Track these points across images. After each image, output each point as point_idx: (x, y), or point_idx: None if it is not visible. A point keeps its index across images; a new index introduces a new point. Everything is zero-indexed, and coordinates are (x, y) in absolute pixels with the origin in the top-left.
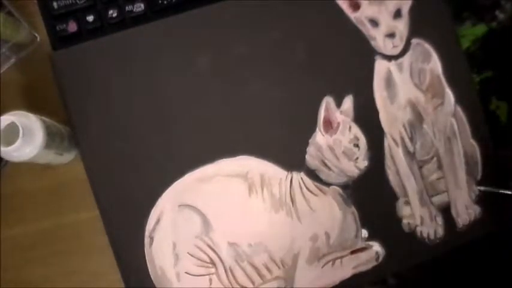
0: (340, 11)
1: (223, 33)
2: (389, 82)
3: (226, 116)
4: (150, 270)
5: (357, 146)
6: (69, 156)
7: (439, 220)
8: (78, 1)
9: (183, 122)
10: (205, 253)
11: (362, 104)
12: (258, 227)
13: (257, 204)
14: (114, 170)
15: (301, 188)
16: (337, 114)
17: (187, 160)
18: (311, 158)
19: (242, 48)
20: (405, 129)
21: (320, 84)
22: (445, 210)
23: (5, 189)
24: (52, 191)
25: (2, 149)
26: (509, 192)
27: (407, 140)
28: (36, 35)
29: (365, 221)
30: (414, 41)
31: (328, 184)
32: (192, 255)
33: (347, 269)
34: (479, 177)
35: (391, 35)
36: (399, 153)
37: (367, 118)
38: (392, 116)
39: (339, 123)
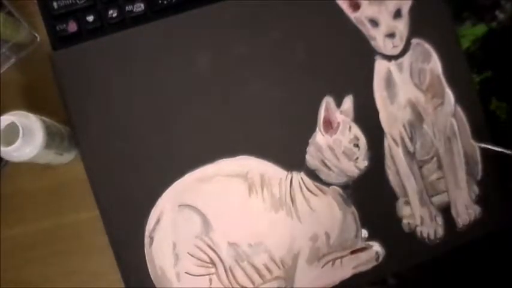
0: (340, 11)
1: (223, 33)
2: (389, 82)
3: (226, 116)
4: (150, 270)
5: (357, 146)
6: (69, 156)
7: (439, 220)
8: (78, 1)
9: (183, 122)
10: (205, 253)
11: (362, 104)
12: (258, 227)
13: (257, 204)
14: (114, 170)
15: (301, 188)
16: (337, 114)
17: (187, 160)
18: (311, 158)
19: (242, 48)
20: (405, 129)
21: (320, 84)
22: (445, 210)
23: (5, 189)
24: (52, 191)
25: (2, 149)
26: (509, 152)
27: (407, 140)
28: (36, 35)
29: (365, 221)
30: (414, 41)
31: (328, 184)
32: (192, 255)
33: (347, 269)
34: (479, 177)
35: (391, 35)
36: (399, 153)
37: (367, 118)
38: (392, 116)
39: (339, 123)
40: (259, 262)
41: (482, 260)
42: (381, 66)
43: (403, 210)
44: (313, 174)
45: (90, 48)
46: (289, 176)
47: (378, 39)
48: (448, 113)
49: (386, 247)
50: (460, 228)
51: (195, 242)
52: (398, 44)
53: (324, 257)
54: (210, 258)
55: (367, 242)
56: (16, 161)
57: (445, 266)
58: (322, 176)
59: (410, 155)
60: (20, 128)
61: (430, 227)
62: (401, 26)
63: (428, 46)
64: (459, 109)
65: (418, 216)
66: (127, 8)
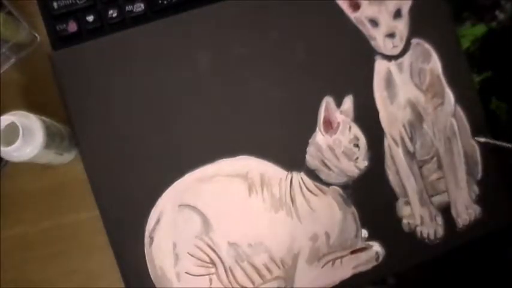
0: (340, 11)
1: (223, 33)
2: (389, 82)
3: (226, 116)
4: (150, 270)
5: (356, 146)
6: (69, 156)
7: (439, 220)
8: (78, 1)
9: (183, 122)
10: (205, 253)
11: (362, 104)
12: (258, 227)
13: (257, 204)
14: (114, 170)
15: (301, 188)
16: (337, 114)
17: (187, 160)
18: (311, 158)
19: (242, 48)
20: (405, 129)
21: (320, 84)
22: (445, 210)
23: (5, 189)
24: (52, 191)
25: (2, 149)
26: (509, 145)
27: (407, 140)
28: (36, 35)
29: (365, 221)
30: (414, 41)
31: (328, 184)
32: (192, 255)
33: (347, 269)
34: (479, 177)
35: (391, 35)
36: (399, 153)
37: (367, 118)
38: (392, 116)
39: (339, 123)
40: (259, 262)
41: (482, 260)
42: (381, 66)
43: (403, 210)
44: (313, 174)
45: (90, 48)
46: (289, 176)
47: (378, 39)
48: (448, 113)
49: (386, 247)
50: (460, 228)
51: (195, 242)
52: (398, 44)
53: (324, 257)
54: (210, 258)
55: (367, 242)
56: (16, 161)
57: (445, 265)
58: (322, 176)
59: (410, 155)
60: (20, 128)
61: (430, 227)
62: (401, 26)
63: (428, 46)
64: (459, 109)
65: (418, 216)
66: (127, 8)
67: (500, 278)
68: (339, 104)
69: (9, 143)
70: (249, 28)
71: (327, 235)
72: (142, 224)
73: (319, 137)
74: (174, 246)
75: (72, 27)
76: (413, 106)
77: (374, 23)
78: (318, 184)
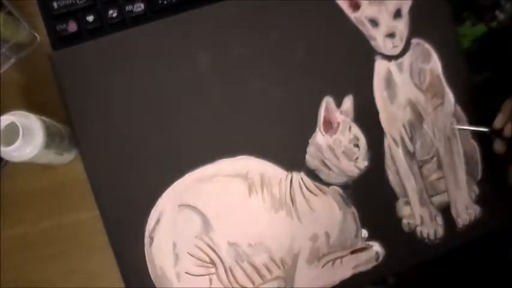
0: (340, 11)
1: (223, 33)
2: (389, 82)
3: (226, 116)
4: (150, 270)
5: (356, 146)
6: (69, 156)
7: (439, 220)
8: (78, 1)
9: (183, 122)
10: (205, 253)
11: (362, 104)
12: (258, 227)
13: (257, 204)
14: (114, 170)
15: (301, 188)
16: (337, 114)
17: (187, 160)
18: (311, 158)
19: (242, 48)
20: (405, 129)
21: (320, 84)
22: (445, 210)
23: (5, 189)
24: (52, 191)
25: (2, 149)
26: (484, 129)
27: (407, 140)
28: (36, 35)
29: (365, 221)
30: (414, 41)
31: (328, 184)
32: (192, 255)
33: (347, 269)
34: (479, 177)
35: (391, 35)
36: (399, 153)
37: (367, 118)
38: (392, 116)
39: (338, 123)
40: (259, 262)
41: (482, 260)
42: (381, 66)
43: (403, 210)
44: (313, 174)
45: (90, 48)
46: (289, 176)
47: (378, 39)
48: (448, 112)
49: (386, 247)
50: (460, 228)
51: (195, 242)
52: (398, 44)
53: (324, 257)
54: (210, 258)
55: (367, 242)
56: (16, 161)
57: (445, 265)
58: (322, 176)
59: (410, 155)
60: (20, 128)
61: (430, 227)
62: (401, 26)
63: (428, 46)
64: (459, 109)
65: (418, 216)
66: (127, 8)
67: (500, 278)
68: (339, 104)
69: (9, 143)
70: (249, 28)
71: (327, 235)
72: (142, 224)
73: (319, 137)
74: (174, 246)
75: (72, 27)
76: (413, 106)
77: (374, 23)
78: (318, 184)
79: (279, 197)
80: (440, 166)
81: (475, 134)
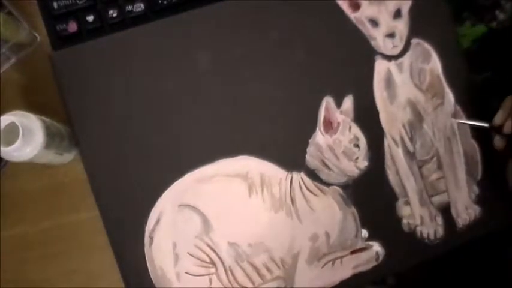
0: (340, 11)
1: (223, 33)
2: (389, 82)
3: (226, 116)
4: (150, 270)
5: (356, 146)
6: (69, 156)
7: (439, 220)
8: (78, 1)
9: (183, 122)
10: (205, 253)
11: (362, 104)
12: (258, 227)
13: (257, 204)
14: (114, 170)
15: (301, 188)
16: (337, 114)
17: (187, 160)
18: (311, 158)
19: (242, 48)
20: (405, 129)
21: (320, 84)
22: (445, 210)
23: (5, 189)
24: (52, 191)
25: (2, 149)
26: (485, 125)
27: (407, 140)
28: (36, 35)
29: (365, 221)
30: (414, 41)
31: (328, 184)
32: (192, 255)
33: (347, 269)
34: (479, 177)
35: (391, 35)
36: (399, 153)
37: (367, 118)
38: (392, 116)
39: (339, 123)
40: (259, 262)
41: (482, 260)
42: (381, 66)
43: (403, 210)
44: (313, 174)
45: (90, 48)
46: (289, 176)
47: (378, 39)
48: (448, 113)
49: (386, 247)
50: (460, 228)
51: (195, 242)
52: (398, 44)
53: (324, 257)
54: (210, 258)
55: (367, 242)
56: (16, 161)
57: (445, 265)
58: (322, 176)
59: (410, 155)
60: (20, 128)
61: (430, 227)
62: (401, 26)
63: (428, 46)
64: (459, 109)
65: (418, 216)
66: (127, 8)
67: (500, 278)
68: (339, 104)
69: (9, 143)
70: (249, 28)
71: (327, 235)
72: (142, 224)
73: (319, 137)
74: (174, 246)
75: (72, 27)
76: (413, 106)
77: (374, 23)
78: (318, 184)
79: (279, 197)
80: (440, 166)
81: (475, 134)
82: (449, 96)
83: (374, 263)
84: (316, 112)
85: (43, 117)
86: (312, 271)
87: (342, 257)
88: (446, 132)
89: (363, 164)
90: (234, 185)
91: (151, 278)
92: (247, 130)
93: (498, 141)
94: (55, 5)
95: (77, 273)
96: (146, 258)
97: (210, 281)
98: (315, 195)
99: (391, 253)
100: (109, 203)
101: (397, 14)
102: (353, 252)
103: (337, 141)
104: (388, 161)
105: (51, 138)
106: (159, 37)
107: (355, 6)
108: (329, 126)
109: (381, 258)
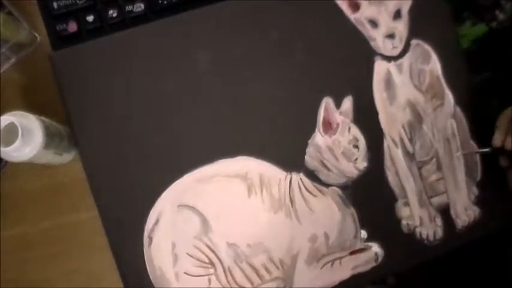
0: (340, 11)
1: (223, 33)
2: (388, 83)
3: (226, 116)
4: (149, 270)
5: (356, 146)
6: (68, 156)
7: (438, 221)
8: (78, 1)
9: (182, 122)
10: (204, 253)
11: (361, 104)
12: (257, 227)
13: (256, 205)
14: (114, 170)
15: (300, 188)
16: (337, 115)
17: (187, 160)
18: (310, 158)
19: (242, 48)
20: (404, 130)
21: (319, 84)
22: (444, 211)
23: (5, 189)
24: (52, 191)
25: (2, 149)
26: (486, 150)
27: (406, 141)
28: (36, 35)
29: (364, 221)
30: (414, 41)
31: (327, 185)
32: (191, 256)
33: (346, 269)
34: (478, 178)
35: (390, 36)
36: (398, 154)
37: (367, 119)
38: (391, 116)
39: (338, 124)
40: (258, 262)
41: (481, 261)
42: (380, 67)
43: (403, 211)
44: (312, 175)
45: (90, 48)
46: (289, 177)
47: (378, 40)
48: (447, 113)
49: (386, 248)
50: (459, 229)
51: (194, 243)
52: (398, 44)
53: (323, 257)
54: (209, 259)
55: (366, 243)
56: (16, 161)
57: (445, 265)
58: (322, 177)
59: (409, 155)
60: (19, 128)
61: (429, 228)
62: (401, 27)
63: (427, 47)
64: (458, 110)
65: (417, 217)
66: (127, 8)
67: (500, 278)
68: (338, 104)
69: (9, 143)
70: (249, 28)
71: (326, 236)
72: (141, 224)
73: (319, 138)
74: (173, 246)
75: (72, 27)
76: (412, 107)
77: (374, 23)
78: (317, 185)
79: (278, 197)
80: (439, 167)
81: (474, 135)
82: (449, 97)
83: (373, 264)
84: (316, 113)
85: (42, 118)
86: (311, 272)
87: (341, 257)
88: (445, 133)
89: (362, 164)
90: (233, 186)
91: (150, 278)
92: (246, 130)
93: (504, 161)
94: (55, 5)
95: (77, 273)
96: (145, 258)
97: (209, 281)
98: (314, 195)
99: (390, 254)
100: (108, 203)
101: (397, 14)
102: (352, 253)
103: (336, 142)
104: (387, 162)
105: (51, 139)
106: (159, 37)
107: (355, 7)
108: (328, 127)
109: (380, 259)
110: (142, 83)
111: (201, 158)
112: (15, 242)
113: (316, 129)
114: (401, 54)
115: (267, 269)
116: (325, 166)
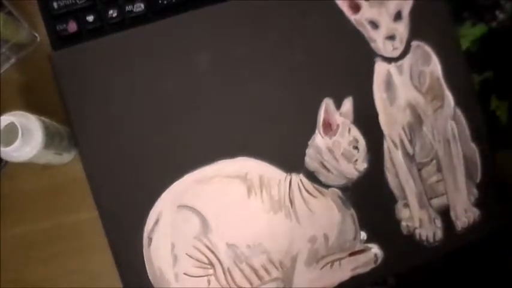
0: (340, 12)
1: (223, 33)
2: (389, 84)
3: (226, 117)
4: (148, 270)
5: (356, 148)
6: (68, 156)
7: (438, 223)
8: (78, 1)
9: (182, 122)
10: (203, 254)
11: (362, 106)
12: (257, 228)
13: (256, 206)
14: (113, 171)
15: (300, 189)
16: (337, 116)
17: (187, 161)
18: (310, 159)
19: (242, 48)
20: (405, 132)
21: (320, 85)
22: (444, 213)
23: (5, 189)
24: (52, 191)
25: (2, 149)
26: None
27: (406, 143)
28: (36, 35)
29: (364, 223)
30: (414, 43)
31: (327, 186)
32: (190, 256)
33: (345, 271)
34: (478, 180)
35: (391, 37)
36: (398, 156)
37: (367, 120)
38: (391, 118)
39: (338, 125)
40: (258, 263)
41: (481, 262)
42: (380, 68)
43: (402, 213)
44: (312, 176)
45: (90, 48)
46: (288, 178)
47: (378, 41)
48: (447, 115)
49: (385, 249)
50: (459, 230)
51: (194, 243)
52: (398, 46)
53: (323, 258)
54: (209, 260)
55: (366, 244)
56: (15, 161)
57: (445, 265)
58: (321, 178)
59: (409, 157)
60: (19, 128)
61: (429, 230)
62: (402, 28)
63: (428, 48)
64: (459, 111)
65: (417, 219)
66: (127, 8)
67: (499, 278)
68: (338, 105)
69: (9, 143)
70: (249, 29)
71: (326, 237)
72: (141, 224)
73: (319, 139)
74: (172, 247)
75: (72, 27)
76: (413, 108)
77: (374, 25)
78: (317, 186)
79: (278, 198)
80: (439, 169)
81: (474, 136)
82: (449, 98)
83: (373, 265)
84: (316, 114)
85: (42, 118)
86: (310, 273)
87: (340, 259)
88: (445, 134)
89: (362, 166)
90: (233, 186)
91: (149, 279)
92: (246, 131)
93: None
94: (55, 5)
95: (77, 273)
96: (145, 258)
97: (209, 282)
98: (314, 197)
99: (389, 255)
100: (108, 203)
101: (398, 16)
102: (352, 254)
103: (336, 143)
104: (387, 163)
105: (51, 139)
106: (159, 37)
107: (356, 8)
108: (328, 128)
109: (379, 260)
110: (142, 83)
111: (201, 158)
112: (15, 242)
113: (316, 131)
114: (402, 56)
115: (266, 270)
116: (325, 167)
